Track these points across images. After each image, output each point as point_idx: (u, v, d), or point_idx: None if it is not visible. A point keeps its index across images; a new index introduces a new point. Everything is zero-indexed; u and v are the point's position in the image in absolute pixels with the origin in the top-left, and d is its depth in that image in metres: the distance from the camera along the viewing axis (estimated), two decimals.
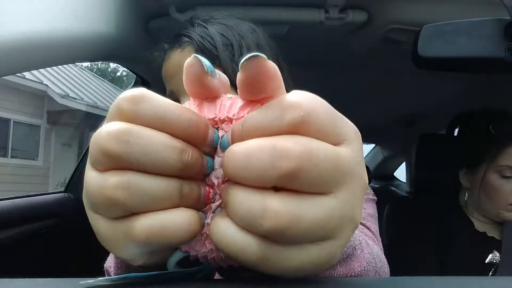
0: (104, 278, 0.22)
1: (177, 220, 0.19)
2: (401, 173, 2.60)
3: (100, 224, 0.21)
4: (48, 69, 6.68)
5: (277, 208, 0.17)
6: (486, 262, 0.94)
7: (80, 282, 0.21)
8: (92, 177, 0.20)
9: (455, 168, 1.07)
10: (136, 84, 1.23)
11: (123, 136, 0.18)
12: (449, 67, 0.58)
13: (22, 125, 7.38)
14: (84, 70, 9.60)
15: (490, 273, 0.93)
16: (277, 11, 0.85)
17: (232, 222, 0.19)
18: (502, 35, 0.50)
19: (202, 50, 0.52)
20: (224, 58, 0.52)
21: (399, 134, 1.96)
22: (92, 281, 0.21)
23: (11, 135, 7.15)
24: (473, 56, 0.52)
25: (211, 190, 0.22)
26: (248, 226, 0.18)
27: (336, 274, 0.33)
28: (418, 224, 1.06)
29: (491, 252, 0.95)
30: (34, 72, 6.68)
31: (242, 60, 0.19)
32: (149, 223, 0.19)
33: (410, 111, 1.71)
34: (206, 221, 0.21)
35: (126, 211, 0.19)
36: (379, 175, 2.67)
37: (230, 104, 0.21)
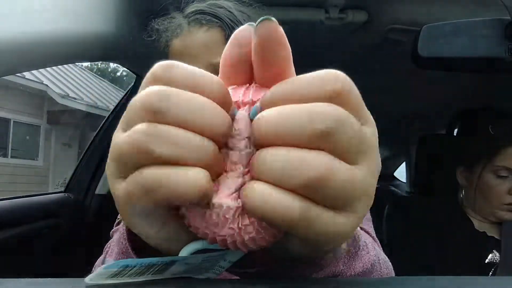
0: (107, 267, 0.21)
1: (189, 173, 0.19)
2: (401, 173, 2.60)
3: (119, 188, 0.21)
4: (48, 69, 6.69)
5: (314, 160, 0.18)
6: (486, 262, 0.94)
7: (86, 280, 0.21)
8: (120, 135, 0.20)
9: (454, 168, 1.07)
10: (136, 84, 1.23)
11: (165, 93, 0.19)
12: (449, 67, 0.58)
13: (22, 125, 7.38)
14: (84, 70, 9.59)
15: (490, 273, 0.93)
16: (277, 10, 0.85)
17: (271, 185, 0.19)
18: (502, 35, 0.50)
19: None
20: None
21: (399, 134, 1.96)
22: (94, 275, 0.21)
23: (11, 135, 7.15)
24: (473, 56, 0.52)
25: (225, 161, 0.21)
26: (286, 179, 0.18)
27: (337, 271, 0.33)
28: (418, 224, 1.06)
29: (491, 252, 0.95)
30: (34, 72, 6.68)
31: (256, 23, 0.20)
32: (160, 170, 0.19)
33: (410, 111, 1.71)
34: (224, 204, 0.20)
35: (148, 160, 0.19)
36: (379, 175, 2.66)
37: (255, 89, 0.22)
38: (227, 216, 0.20)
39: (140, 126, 0.19)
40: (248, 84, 0.23)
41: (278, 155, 0.19)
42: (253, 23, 0.22)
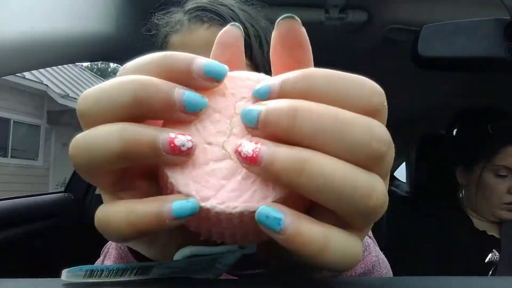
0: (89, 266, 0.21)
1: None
2: (401, 173, 2.60)
3: None
4: (48, 69, 6.68)
5: (381, 187, 0.17)
6: (486, 261, 0.94)
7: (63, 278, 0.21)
8: None
9: (454, 168, 1.07)
10: None
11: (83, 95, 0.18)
12: (449, 67, 0.58)
13: (22, 125, 7.38)
14: (84, 70, 9.60)
15: (490, 272, 0.93)
16: (277, 11, 0.85)
17: (303, 216, 0.16)
18: (502, 35, 0.50)
19: None
20: (256, 50, 0.48)
21: (399, 134, 1.96)
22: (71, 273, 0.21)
23: (11, 135, 7.15)
24: (473, 56, 0.52)
25: (179, 137, 0.17)
26: (351, 203, 0.16)
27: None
28: (418, 224, 1.06)
29: (491, 251, 0.95)
30: (34, 72, 6.68)
31: (279, 19, 0.20)
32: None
33: (410, 111, 1.71)
34: (219, 208, 0.17)
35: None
36: None
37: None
38: (221, 218, 0.18)
39: None
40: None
41: (341, 172, 0.16)
42: (236, 23, 0.22)
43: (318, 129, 0.16)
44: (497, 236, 0.98)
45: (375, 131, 0.16)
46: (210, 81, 0.18)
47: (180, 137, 0.17)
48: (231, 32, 0.22)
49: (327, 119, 0.16)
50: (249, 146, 0.17)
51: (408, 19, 0.87)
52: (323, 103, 0.17)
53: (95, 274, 0.21)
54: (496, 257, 0.94)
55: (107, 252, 0.48)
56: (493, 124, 0.99)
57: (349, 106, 0.17)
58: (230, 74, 0.20)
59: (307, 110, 0.16)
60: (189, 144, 0.17)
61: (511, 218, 0.96)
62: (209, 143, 0.18)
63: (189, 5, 0.53)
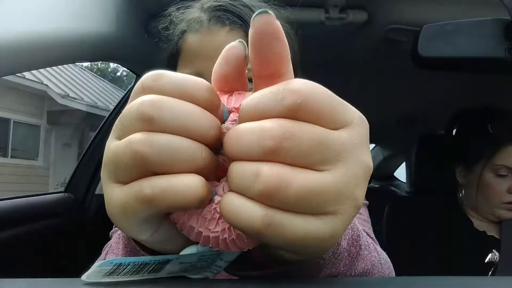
0: (103, 264, 0.22)
1: (184, 182, 0.20)
2: (401, 173, 2.60)
3: (114, 193, 0.21)
4: (48, 69, 6.68)
5: (267, 172, 0.19)
6: (486, 261, 0.95)
7: (83, 278, 0.22)
8: (114, 143, 0.21)
9: (454, 168, 1.07)
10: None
11: (157, 102, 0.20)
12: (449, 67, 0.58)
13: (22, 125, 7.38)
14: (84, 70, 9.59)
15: (490, 272, 0.93)
16: (276, 11, 0.85)
17: (238, 195, 0.20)
18: (502, 35, 0.50)
19: None
20: None
21: (399, 134, 1.96)
22: (91, 272, 0.22)
23: (11, 135, 7.15)
24: (473, 56, 0.52)
25: (225, 164, 0.23)
26: (242, 190, 0.20)
27: (337, 272, 0.33)
28: (418, 224, 1.06)
29: (490, 251, 0.95)
30: (34, 72, 6.67)
31: (253, 16, 0.21)
32: (157, 181, 0.20)
33: (410, 111, 1.71)
34: (217, 198, 0.22)
35: (146, 169, 0.20)
36: (379, 175, 2.67)
37: (237, 97, 0.23)
38: (219, 211, 0.21)
39: (137, 136, 0.20)
40: (231, 92, 0.24)
41: (236, 168, 0.20)
42: (242, 40, 0.23)
43: (230, 146, 0.21)
44: (497, 236, 0.98)
45: (263, 129, 0.20)
46: None
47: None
48: (235, 50, 0.23)
49: (234, 136, 0.21)
50: None
51: (408, 19, 0.87)
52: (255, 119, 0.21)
53: (122, 268, 0.22)
54: (496, 258, 0.94)
55: (108, 249, 0.48)
56: (493, 124, 0.99)
57: (272, 114, 0.20)
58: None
59: (227, 134, 0.21)
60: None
61: (511, 217, 0.96)
62: None
63: (207, 2, 0.50)
